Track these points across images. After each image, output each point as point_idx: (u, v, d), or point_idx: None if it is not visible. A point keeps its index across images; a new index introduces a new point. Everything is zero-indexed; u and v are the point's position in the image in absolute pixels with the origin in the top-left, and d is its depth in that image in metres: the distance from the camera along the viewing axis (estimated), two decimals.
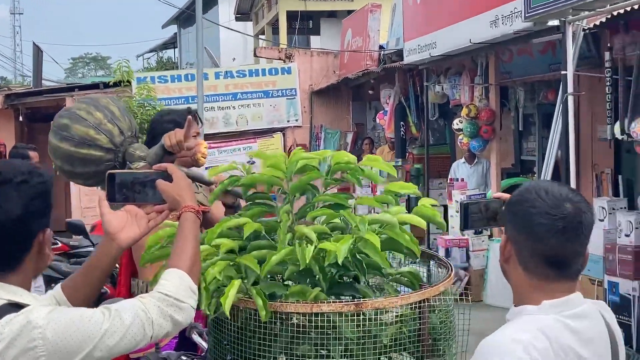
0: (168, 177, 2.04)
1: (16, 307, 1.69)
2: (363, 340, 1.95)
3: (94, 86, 13.57)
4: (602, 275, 6.27)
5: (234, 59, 21.40)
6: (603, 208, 6.31)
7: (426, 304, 2.02)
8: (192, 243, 1.93)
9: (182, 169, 3.44)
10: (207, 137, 12.30)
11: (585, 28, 5.76)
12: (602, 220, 6.19)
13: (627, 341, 5.75)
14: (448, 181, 9.58)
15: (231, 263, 2.01)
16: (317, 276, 1.97)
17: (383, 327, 1.96)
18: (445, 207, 10.21)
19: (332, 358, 1.95)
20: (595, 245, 6.05)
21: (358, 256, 2.01)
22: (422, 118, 10.49)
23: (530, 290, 1.76)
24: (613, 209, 6.28)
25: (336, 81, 13.07)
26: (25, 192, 1.73)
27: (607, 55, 6.07)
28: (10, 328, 1.62)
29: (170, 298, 1.80)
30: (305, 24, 19.98)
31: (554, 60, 7.64)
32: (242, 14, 21.97)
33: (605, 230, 6.24)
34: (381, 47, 11.78)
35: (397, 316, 2.01)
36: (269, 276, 2.06)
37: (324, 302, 1.90)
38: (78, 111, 3.33)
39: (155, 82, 12.96)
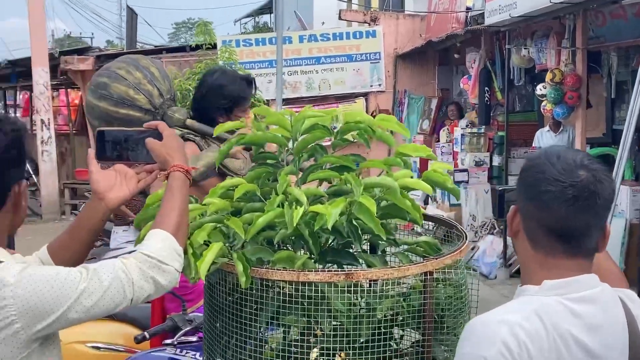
0: (158, 136, 1.94)
1: None
2: (355, 313, 1.80)
3: (181, 49, 13.72)
4: None
5: (322, 23, 21.18)
6: None
7: (429, 277, 1.84)
8: (180, 204, 1.83)
9: (191, 123, 3.38)
10: (289, 101, 12.25)
11: None
12: None
13: None
14: (531, 150, 9.17)
15: (219, 225, 1.89)
16: (308, 242, 1.83)
17: (377, 300, 1.81)
18: None
19: (322, 330, 1.81)
20: None
21: (354, 222, 1.85)
22: (507, 83, 10.06)
23: (536, 267, 1.57)
24: None
25: (422, 45, 12.70)
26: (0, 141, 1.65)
27: None
28: None
29: (153, 260, 1.70)
30: None
31: None
32: None
33: None
34: (467, 9, 11.35)
35: (395, 289, 1.85)
36: (263, 240, 1.93)
37: (312, 271, 1.76)
38: (118, 70, 3.26)
39: (240, 46, 12.96)
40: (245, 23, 36.99)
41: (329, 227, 1.74)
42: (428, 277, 1.85)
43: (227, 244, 1.85)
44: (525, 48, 8.90)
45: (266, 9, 34.67)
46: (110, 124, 3.30)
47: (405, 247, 2.14)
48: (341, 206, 1.77)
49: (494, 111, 10.94)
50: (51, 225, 12.20)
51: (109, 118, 3.26)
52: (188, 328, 2.93)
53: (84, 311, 1.61)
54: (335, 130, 2.09)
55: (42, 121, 12.41)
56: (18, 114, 18.60)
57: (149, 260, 1.69)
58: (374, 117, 2.07)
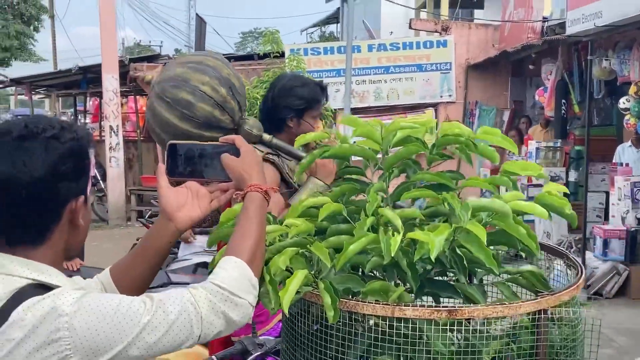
0: (236, 152, 1.74)
1: (42, 288, 1.44)
2: (458, 356, 1.56)
3: (249, 57, 13.66)
4: None
5: (391, 32, 20.93)
6: None
7: (543, 315, 1.59)
8: (256, 228, 1.62)
9: (275, 141, 3.14)
10: (357, 111, 12.05)
11: None
12: None
13: None
14: (611, 166, 8.74)
15: (301, 251, 1.67)
16: (406, 272, 1.60)
17: (484, 342, 1.56)
18: (607, 194, 9.39)
19: None
20: None
21: (458, 251, 1.62)
22: (585, 96, 9.64)
23: None
24: None
25: (495, 55, 12.33)
26: (54, 150, 1.47)
27: None
28: (33, 314, 1.37)
29: (225, 292, 1.49)
30: None
31: None
32: None
33: None
34: (544, 18, 10.96)
35: (504, 329, 1.60)
36: (349, 266, 1.71)
37: (409, 306, 1.53)
38: (202, 87, 2.85)
39: (308, 54, 12.82)
40: (312, 33, 37.04)
41: (432, 258, 1.51)
42: (542, 315, 1.60)
43: (311, 272, 1.63)
44: (606, 59, 8.50)
45: (333, 19, 34.64)
46: None
47: (506, 276, 1.89)
48: (445, 233, 1.54)
49: (570, 124, 10.51)
50: (117, 231, 12.26)
51: (189, 139, 3.01)
52: (258, 352, 2.73)
53: (146, 348, 1.42)
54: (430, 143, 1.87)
55: (111, 127, 12.51)
56: (87, 120, 18.89)
57: (220, 292, 1.49)
58: None
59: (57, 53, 29.55)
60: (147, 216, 8.24)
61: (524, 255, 1.94)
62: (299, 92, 3.20)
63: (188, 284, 2.96)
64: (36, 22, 33.20)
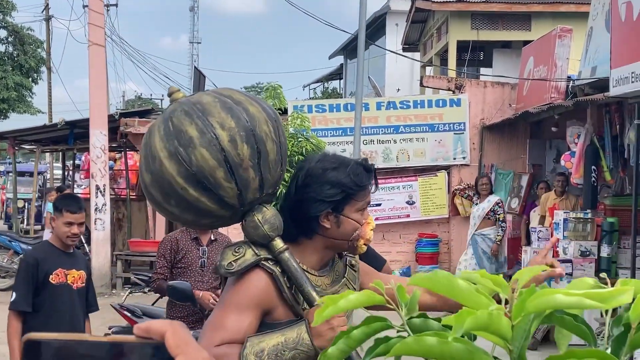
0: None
1: None
2: None
3: None
4: None
5: (398, 89, 20.22)
6: None
7: None
8: None
9: (286, 256, 2.18)
10: None
11: None
12: None
13: None
14: None
15: None
16: None
17: None
18: None
19: None
20: None
21: None
22: (619, 162, 8.73)
23: None
24: None
25: (513, 115, 11.45)
26: None
27: None
28: None
29: None
30: (476, 55, 18.57)
31: None
32: (409, 44, 20.83)
33: None
34: (569, 77, 10.14)
35: None
36: None
37: None
38: (218, 129, 2.00)
39: (312, 112, 11.97)
40: (314, 89, 36.60)
41: None
42: None
43: None
44: None
45: (336, 75, 34.21)
46: (167, 195, 2.02)
47: None
48: None
49: (600, 193, 9.57)
50: (100, 301, 11.18)
51: (168, 187, 2.01)
52: None
53: None
54: None
55: (97, 187, 11.54)
56: (77, 176, 18.00)
57: None
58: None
59: (58, 105, 29.03)
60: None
61: None
62: (332, 177, 2.18)
63: None
64: (35, 74, 32.71)
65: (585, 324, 0.92)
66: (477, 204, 10.43)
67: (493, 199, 10.26)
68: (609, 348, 0.88)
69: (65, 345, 0.74)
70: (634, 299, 0.83)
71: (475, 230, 10.29)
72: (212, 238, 5.03)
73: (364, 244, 2.23)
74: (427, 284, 0.91)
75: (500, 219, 10.16)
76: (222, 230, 4.72)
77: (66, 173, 19.32)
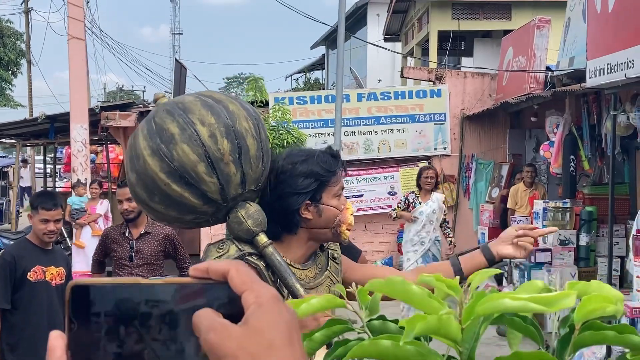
0: (227, 304, 0.73)
1: None
2: None
3: None
4: None
5: (379, 80, 20.25)
6: None
7: None
8: None
9: (270, 251, 2.20)
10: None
11: None
12: None
13: None
14: (635, 233, 7.85)
15: None
16: None
17: None
18: (622, 260, 8.52)
19: None
20: None
21: None
22: (597, 152, 8.81)
23: None
24: None
25: (492, 106, 11.52)
26: None
27: None
28: None
29: None
30: (457, 45, 18.64)
31: None
32: (390, 35, 20.88)
33: None
34: (547, 68, 10.20)
35: None
36: None
37: None
38: (198, 125, 2.05)
39: (293, 103, 11.98)
40: (297, 79, 36.57)
41: None
42: None
43: None
44: (623, 113, 7.67)
45: (317, 66, 34.18)
46: (151, 193, 2.06)
47: None
48: None
49: (578, 182, 9.66)
50: None
51: (152, 184, 2.05)
52: None
53: None
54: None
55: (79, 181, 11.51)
56: (59, 168, 17.91)
57: None
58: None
59: (38, 98, 28.76)
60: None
61: None
62: (303, 169, 2.24)
63: None
64: (15, 67, 32.40)
65: (535, 325, 0.96)
66: (420, 202, 8.96)
67: (440, 197, 9.15)
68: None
69: (118, 289, 0.72)
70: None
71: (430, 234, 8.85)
72: (144, 231, 5.20)
73: (347, 229, 2.27)
74: (384, 289, 0.95)
75: (446, 219, 9.17)
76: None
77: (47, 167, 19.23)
